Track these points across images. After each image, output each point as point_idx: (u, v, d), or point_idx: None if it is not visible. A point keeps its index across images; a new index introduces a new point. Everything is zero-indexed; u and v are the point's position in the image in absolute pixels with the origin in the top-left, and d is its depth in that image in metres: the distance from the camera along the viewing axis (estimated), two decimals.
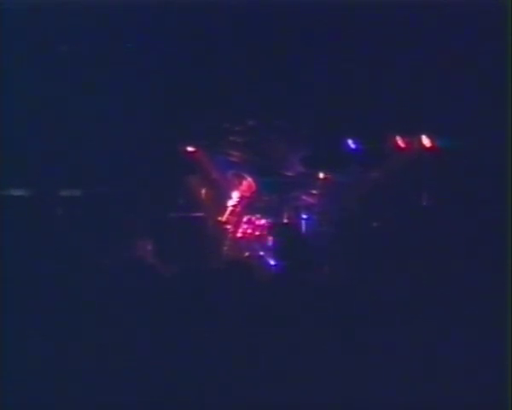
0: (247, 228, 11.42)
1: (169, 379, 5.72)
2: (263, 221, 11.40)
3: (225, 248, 11.24)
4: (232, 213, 11.48)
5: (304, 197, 11.54)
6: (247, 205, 11.52)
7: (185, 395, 5.61)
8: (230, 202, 11.52)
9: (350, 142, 11.14)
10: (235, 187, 11.55)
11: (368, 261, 9.13)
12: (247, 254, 11.08)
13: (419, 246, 9.39)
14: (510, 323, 5.82)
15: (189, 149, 11.42)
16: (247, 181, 11.51)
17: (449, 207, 10.19)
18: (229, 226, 11.42)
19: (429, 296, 7.08)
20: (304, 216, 11.44)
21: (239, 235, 11.41)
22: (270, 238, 11.11)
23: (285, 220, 11.44)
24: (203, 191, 11.56)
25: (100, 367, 5.83)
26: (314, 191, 11.44)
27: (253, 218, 11.45)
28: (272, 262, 10.82)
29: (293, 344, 6.00)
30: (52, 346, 6.01)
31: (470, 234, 9.21)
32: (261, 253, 11.15)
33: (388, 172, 11.12)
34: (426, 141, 10.84)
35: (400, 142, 11.02)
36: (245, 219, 11.46)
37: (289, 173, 11.56)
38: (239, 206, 11.50)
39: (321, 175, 11.38)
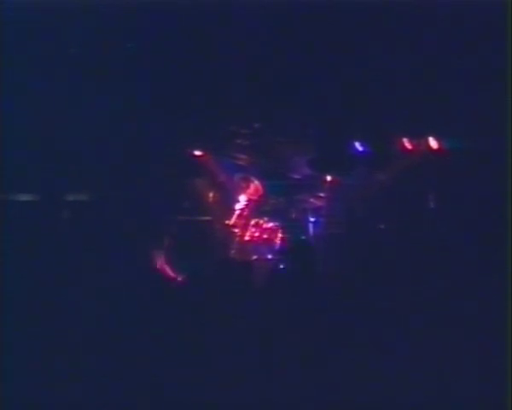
0: (254, 231, 11.41)
1: (176, 382, 5.74)
2: (270, 224, 11.39)
3: (233, 251, 11.24)
4: (240, 216, 11.48)
5: (311, 200, 11.52)
6: (254, 208, 11.51)
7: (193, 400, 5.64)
8: (238, 206, 11.52)
9: (357, 144, 11.13)
10: (243, 190, 11.55)
11: (375, 263, 9.09)
12: (254, 257, 11.06)
13: (426, 248, 9.36)
14: (511, 323, 5.81)
15: (196, 152, 11.43)
16: (255, 184, 11.51)
17: (456, 209, 10.15)
18: (236, 230, 11.42)
19: (437, 297, 7.06)
20: (311, 219, 11.44)
21: (247, 238, 11.41)
22: (278, 241, 11.11)
23: (292, 223, 11.43)
24: (210, 195, 11.58)
25: (103, 371, 5.85)
26: (321, 194, 11.43)
27: (261, 221, 11.45)
28: (280, 265, 10.80)
29: (302, 346, 6.00)
30: (56, 351, 6.04)
31: (478, 236, 9.17)
32: (269, 256, 11.15)
33: (395, 174, 11.09)
34: (433, 143, 10.81)
35: (407, 144, 11.00)
36: (252, 222, 11.45)
37: (296, 176, 11.56)
38: (246, 209, 11.49)
39: (328, 178, 11.37)
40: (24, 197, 10.15)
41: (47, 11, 7.43)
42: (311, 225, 11.42)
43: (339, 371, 5.81)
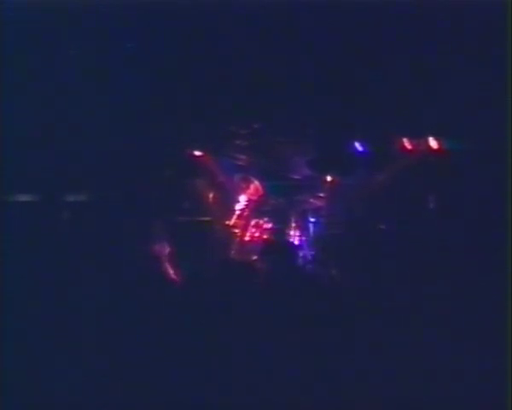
0: (254, 232, 11.41)
1: (179, 383, 5.74)
2: (270, 225, 11.38)
3: (233, 251, 11.23)
4: (240, 216, 11.47)
5: (311, 200, 11.52)
6: (254, 208, 11.51)
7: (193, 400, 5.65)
8: (238, 206, 11.50)
9: (357, 144, 11.12)
10: (243, 191, 11.54)
11: (376, 264, 9.12)
12: (254, 257, 11.03)
13: (426, 248, 9.37)
14: (511, 323, 5.82)
15: (196, 153, 11.42)
16: (254, 185, 11.49)
17: (456, 210, 10.14)
18: (236, 230, 11.41)
19: (437, 298, 7.09)
20: (311, 219, 11.43)
21: (247, 238, 11.40)
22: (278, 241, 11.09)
23: (292, 224, 11.43)
24: (210, 195, 11.56)
25: (103, 371, 5.86)
26: (321, 194, 11.43)
27: (261, 221, 11.45)
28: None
29: (301, 347, 6.02)
30: (57, 352, 6.04)
31: (478, 236, 9.17)
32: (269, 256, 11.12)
33: (395, 174, 11.09)
34: (433, 143, 10.81)
35: (407, 144, 11.00)
36: (252, 222, 11.45)
37: (296, 176, 11.55)
38: (246, 209, 11.48)
39: (328, 178, 11.36)
40: (24, 198, 10.13)
41: (47, 11, 7.42)
42: (311, 226, 11.42)
43: (340, 372, 5.83)
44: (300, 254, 10.99)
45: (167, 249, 10.64)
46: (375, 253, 9.66)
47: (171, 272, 10.30)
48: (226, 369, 5.87)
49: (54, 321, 6.41)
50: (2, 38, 7.38)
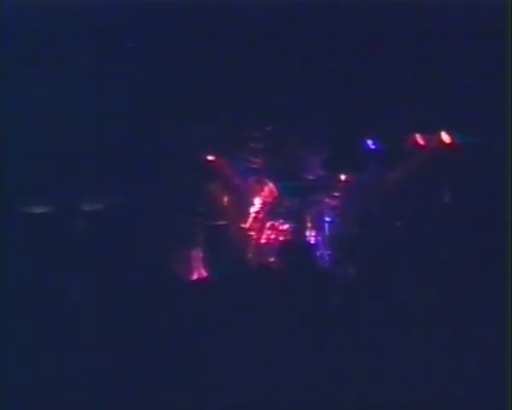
0: (270, 234, 11.42)
1: (192, 385, 5.78)
2: (286, 226, 11.40)
3: (249, 254, 11.26)
4: (255, 219, 11.47)
5: (326, 200, 11.50)
6: (269, 211, 11.51)
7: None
8: (253, 209, 11.51)
9: (369, 142, 11.10)
10: (257, 193, 11.54)
11: (391, 261, 9.08)
12: (271, 259, 11.05)
13: (441, 244, 9.32)
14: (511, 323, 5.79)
15: (210, 157, 11.45)
16: (269, 187, 11.49)
17: (471, 205, 10.08)
18: (252, 233, 11.43)
19: (452, 296, 7.05)
20: (327, 219, 11.42)
21: (263, 241, 11.42)
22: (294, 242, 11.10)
23: (308, 224, 11.42)
24: (225, 199, 11.58)
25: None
26: (336, 194, 11.40)
27: (276, 223, 11.46)
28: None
29: (318, 346, 6.03)
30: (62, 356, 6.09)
31: (493, 232, 9.09)
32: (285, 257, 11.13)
33: (409, 170, 11.05)
34: (446, 138, 10.75)
35: (420, 140, 10.96)
36: (268, 224, 11.46)
37: (310, 177, 11.53)
38: (261, 212, 11.48)
39: (342, 177, 11.33)
40: (39, 210, 10.20)
41: (47, 11, 7.43)
42: (326, 225, 11.41)
43: (356, 370, 5.84)
44: (317, 253, 11.00)
45: (183, 254, 10.70)
46: (391, 250, 9.63)
47: (187, 275, 10.37)
48: (242, 369, 5.89)
49: (56, 325, 6.44)
50: (2, 38, 7.40)
